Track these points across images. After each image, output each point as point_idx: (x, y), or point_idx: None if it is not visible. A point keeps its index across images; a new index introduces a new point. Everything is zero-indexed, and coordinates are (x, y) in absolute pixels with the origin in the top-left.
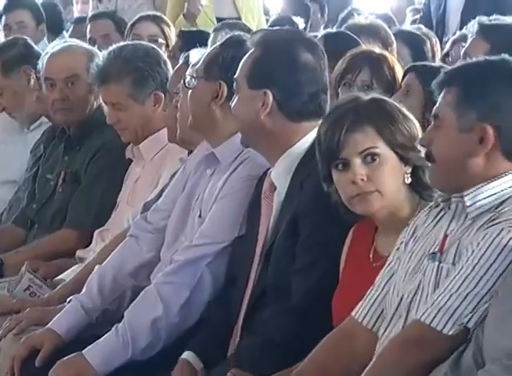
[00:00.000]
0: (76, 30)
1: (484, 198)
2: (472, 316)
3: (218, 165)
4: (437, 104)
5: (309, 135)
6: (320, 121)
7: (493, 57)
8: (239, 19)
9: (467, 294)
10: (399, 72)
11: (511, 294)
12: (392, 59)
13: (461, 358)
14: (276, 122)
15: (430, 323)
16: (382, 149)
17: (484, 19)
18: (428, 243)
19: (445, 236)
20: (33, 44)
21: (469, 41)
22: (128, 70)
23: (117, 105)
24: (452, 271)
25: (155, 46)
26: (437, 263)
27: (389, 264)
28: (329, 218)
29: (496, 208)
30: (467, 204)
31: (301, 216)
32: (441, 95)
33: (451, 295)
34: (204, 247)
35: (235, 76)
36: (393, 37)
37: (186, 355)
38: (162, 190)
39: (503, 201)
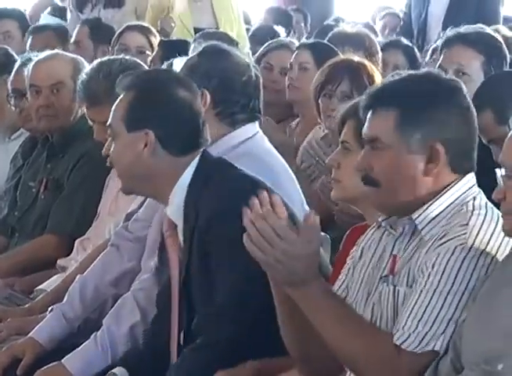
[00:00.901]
0: (35, 39)
1: (435, 217)
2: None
3: None
4: (369, 126)
5: (192, 163)
6: None
7: (418, 72)
8: (218, 29)
9: (442, 319)
10: (379, 79)
11: (489, 300)
12: (371, 66)
13: (439, 364)
14: (161, 161)
15: (407, 347)
16: (352, 143)
17: (466, 27)
18: (376, 266)
19: (394, 257)
20: (14, 53)
21: (448, 51)
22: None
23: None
24: (408, 294)
25: (140, 61)
26: (392, 287)
27: (341, 285)
28: (233, 224)
29: (445, 223)
30: (419, 227)
31: (205, 237)
32: (374, 115)
33: (426, 321)
34: None
35: (109, 122)
36: (378, 47)
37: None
38: (144, 201)
39: (451, 215)
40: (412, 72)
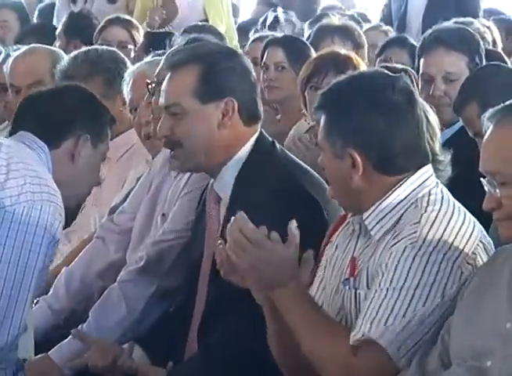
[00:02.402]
0: None
1: (384, 217)
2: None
3: None
4: None
5: (251, 140)
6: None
7: (350, 75)
8: (207, 21)
9: (396, 316)
10: None
11: (476, 299)
12: (357, 59)
13: (427, 358)
14: (235, 129)
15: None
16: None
17: (443, 26)
18: (342, 265)
19: (353, 259)
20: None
21: (429, 56)
22: (98, 71)
23: None
24: (368, 295)
25: (116, 50)
26: (353, 290)
27: (318, 285)
28: (281, 219)
29: (396, 223)
30: (369, 227)
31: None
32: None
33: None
34: (166, 243)
35: (169, 102)
36: (364, 39)
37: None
38: (129, 193)
39: (401, 215)
40: (348, 74)
